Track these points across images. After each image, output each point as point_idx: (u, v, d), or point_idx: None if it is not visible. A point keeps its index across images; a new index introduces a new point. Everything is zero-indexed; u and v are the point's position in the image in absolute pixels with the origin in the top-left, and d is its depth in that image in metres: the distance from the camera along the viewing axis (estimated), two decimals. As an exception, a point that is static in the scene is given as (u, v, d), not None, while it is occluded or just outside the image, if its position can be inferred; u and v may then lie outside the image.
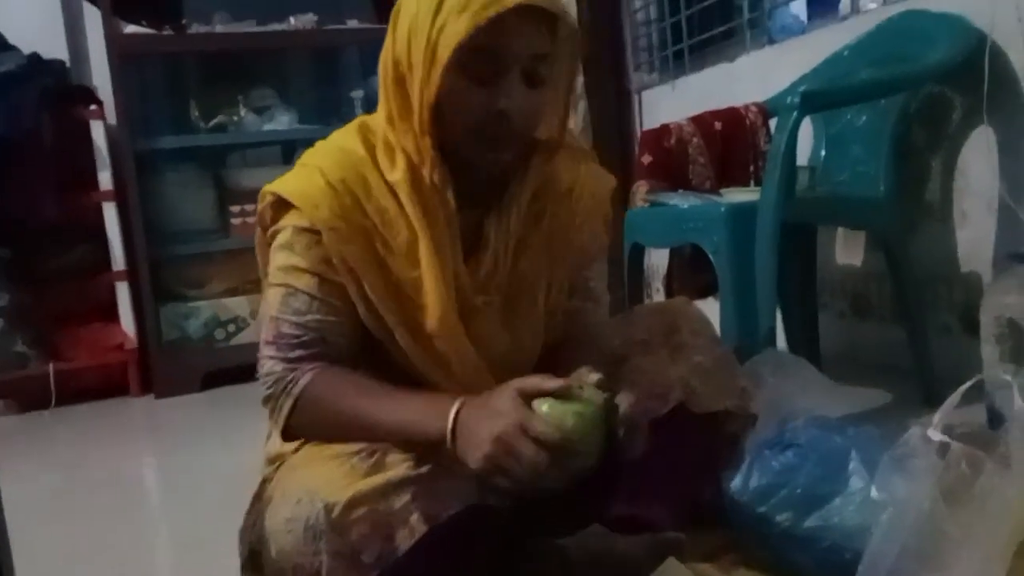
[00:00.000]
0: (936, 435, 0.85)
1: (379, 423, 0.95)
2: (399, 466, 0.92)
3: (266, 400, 1.01)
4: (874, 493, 0.92)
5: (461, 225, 1.03)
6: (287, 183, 1.03)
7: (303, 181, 1.02)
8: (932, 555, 0.78)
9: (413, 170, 1.00)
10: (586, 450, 0.90)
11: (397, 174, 1.00)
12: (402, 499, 0.89)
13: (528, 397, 0.90)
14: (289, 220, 1.01)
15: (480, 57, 0.93)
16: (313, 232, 0.99)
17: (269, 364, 1.00)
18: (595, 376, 0.93)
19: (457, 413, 0.90)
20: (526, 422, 0.86)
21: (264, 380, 1.01)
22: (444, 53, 0.92)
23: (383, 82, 1.02)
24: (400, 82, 0.99)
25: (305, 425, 0.99)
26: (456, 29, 0.91)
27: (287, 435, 1.01)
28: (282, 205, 1.02)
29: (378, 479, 0.90)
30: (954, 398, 0.88)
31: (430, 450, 0.94)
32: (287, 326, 0.99)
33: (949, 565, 0.77)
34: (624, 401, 0.91)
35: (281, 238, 1.02)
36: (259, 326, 1.11)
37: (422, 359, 1.03)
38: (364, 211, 1.01)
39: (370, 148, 1.03)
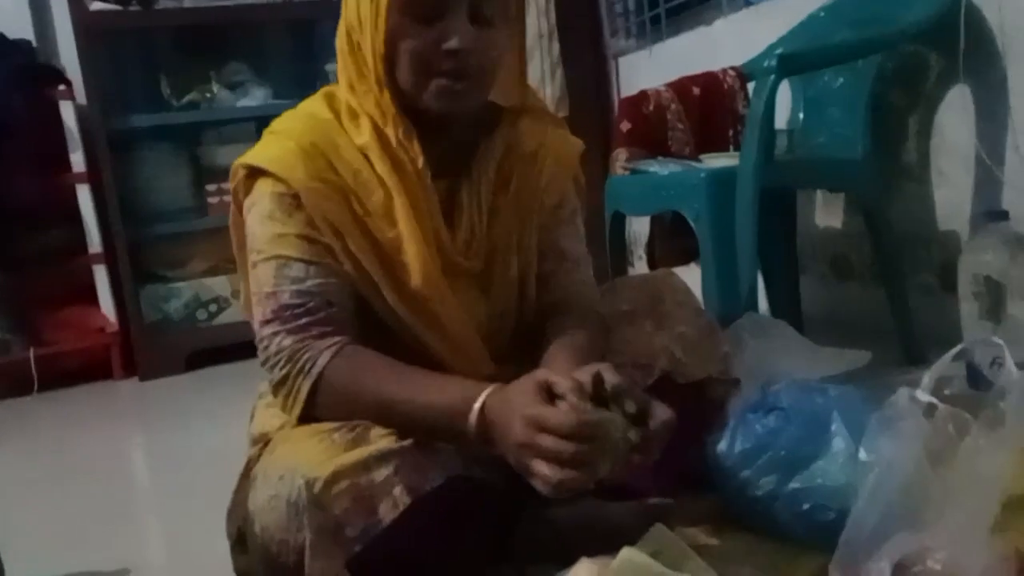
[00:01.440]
0: (923, 397, 0.86)
1: (404, 414, 0.92)
2: (381, 439, 0.90)
3: (280, 382, 0.96)
4: (861, 454, 0.93)
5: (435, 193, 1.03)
6: (258, 153, 1.02)
7: (274, 147, 1.01)
8: (916, 516, 0.80)
9: (379, 131, 1.00)
10: (608, 447, 0.82)
11: (364, 137, 1.01)
12: (384, 472, 0.87)
13: (550, 391, 0.85)
14: (264, 188, 1.00)
15: None
16: (292, 196, 0.98)
17: (276, 341, 0.95)
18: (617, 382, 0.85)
19: (483, 406, 0.87)
20: (541, 417, 0.81)
21: (274, 360, 0.95)
22: None
23: (340, 54, 1.04)
24: (354, 49, 1.01)
25: (322, 408, 0.95)
26: None
27: (304, 419, 0.96)
28: (255, 176, 1.01)
29: (359, 452, 0.88)
30: (944, 361, 0.89)
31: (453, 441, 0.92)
32: (288, 296, 0.96)
33: (932, 526, 0.78)
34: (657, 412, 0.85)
35: (260, 208, 1.00)
36: (242, 305, 1.10)
37: (413, 321, 1.02)
38: (337, 172, 1.00)
39: (336, 113, 1.04)
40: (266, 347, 0.97)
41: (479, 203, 1.07)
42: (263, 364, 0.98)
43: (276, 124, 1.06)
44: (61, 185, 2.81)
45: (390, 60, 0.98)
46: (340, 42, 1.04)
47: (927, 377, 0.89)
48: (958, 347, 0.93)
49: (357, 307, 1.02)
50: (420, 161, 1.00)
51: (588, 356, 0.97)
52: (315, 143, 1.01)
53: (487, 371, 1.02)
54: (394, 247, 1.01)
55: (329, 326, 0.96)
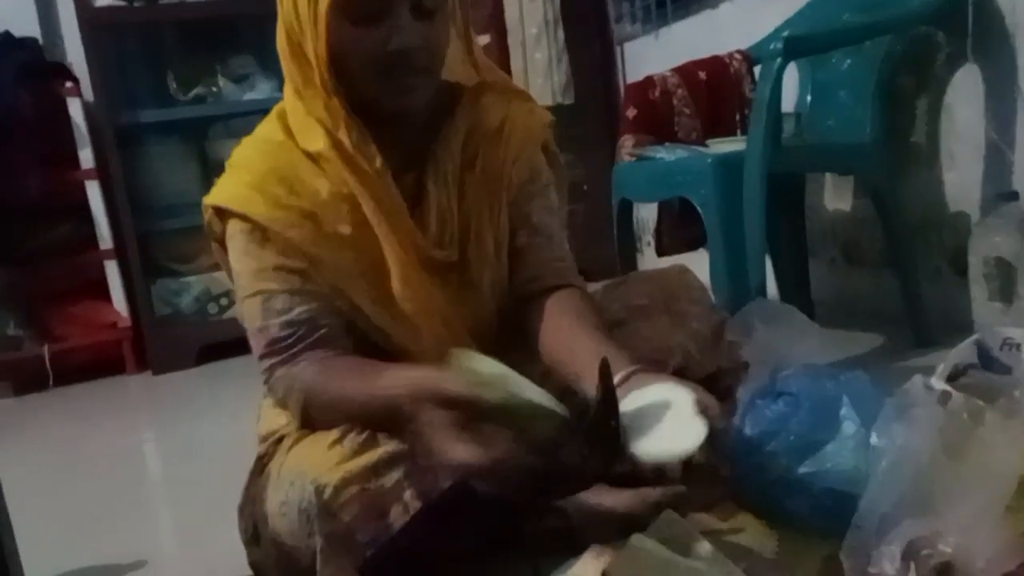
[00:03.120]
0: (939, 384, 0.85)
1: (361, 407, 0.93)
2: (391, 442, 0.90)
3: (281, 404, 1.00)
4: (873, 440, 0.93)
5: (402, 188, 1.03)
6: (220, 191, 1.03)
7: (233, 184, 1.03)
8: (928, 502, 0.79)
9: (332, 137, 1.00)
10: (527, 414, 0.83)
11: (319, 143, 1.00)
12: (394, 476, 0.87)
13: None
14: (235, 226, 1.01)
15: None
16: (260, 229, 0.99)
17: (275, 373, 0.99)
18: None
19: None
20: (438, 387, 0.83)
21: (274, 389, 1.00)
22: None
23: (283, 58, 1.02)
24: (297, 52, 0.99)
25: (315, 418, 0.98)
26: None
27: (305, 426, 0.99)
28: (223, 213, 1.03)
29: (369, 457, 0.88)
30: (960, 349, 0.88)
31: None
32: (276, 329, 0.99)
33: (943, 514, 0.78)
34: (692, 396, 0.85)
35: (235, 245, 1.02)
36: (238, 313, 1.11)
37: (393, 327, 1.03)
38: (298, 195, 1.01)
39: (288, 131, 1.03)
40: (267, 379, 1.01)
41: (447, 188, 1.05)
42: (267, 394, 1.02)
43: (235, 155, 1.06)
44: (70, 181, 2.83)
45: (335, 63, 0.96)
46: (280, 47, 1.01)
47: (942, 365, 0.88)
48: (974, 336, 0.92)
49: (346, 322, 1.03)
50: (378, 161, 1.00)
51: (588, 316, 1.01)
52: (273, 169, 1.01)
53: None
54: (371, 255, 1.01)
55: (321, 347, 0.99)
